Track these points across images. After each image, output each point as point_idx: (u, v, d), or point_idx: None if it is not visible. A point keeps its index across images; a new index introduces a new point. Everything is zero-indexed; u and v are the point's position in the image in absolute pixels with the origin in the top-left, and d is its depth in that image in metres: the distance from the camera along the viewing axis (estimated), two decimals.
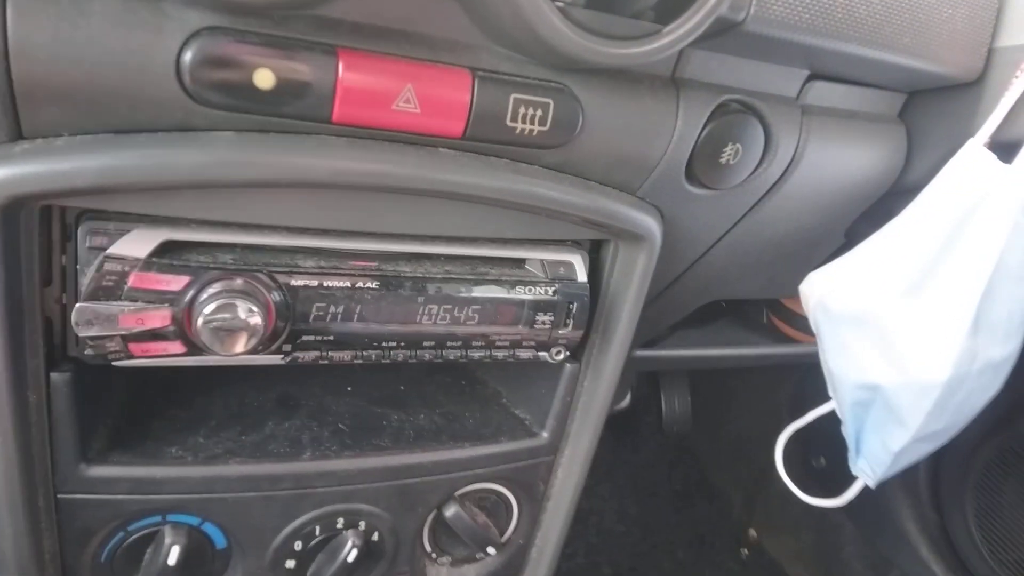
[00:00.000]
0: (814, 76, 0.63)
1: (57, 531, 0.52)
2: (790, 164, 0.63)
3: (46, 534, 0.52)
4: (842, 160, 0.66)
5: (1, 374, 0.45)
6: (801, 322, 0.90)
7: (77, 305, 0.45)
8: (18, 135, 0.41)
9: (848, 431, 0.70)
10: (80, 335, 0.45)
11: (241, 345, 0.47)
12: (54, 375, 0.48)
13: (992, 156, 0.59)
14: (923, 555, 1.43)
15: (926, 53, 0.60)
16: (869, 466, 0.69)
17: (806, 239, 0.74)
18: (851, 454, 0.71)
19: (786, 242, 0.73)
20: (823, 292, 0.66)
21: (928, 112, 0.68)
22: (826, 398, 0.73)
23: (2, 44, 0.37)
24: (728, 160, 0.60)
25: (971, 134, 0.61)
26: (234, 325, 0.46)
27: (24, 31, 0.37)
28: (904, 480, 1.43)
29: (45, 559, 0.53)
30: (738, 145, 0.59)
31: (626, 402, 1.79)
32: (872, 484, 0.70)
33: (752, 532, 1.75)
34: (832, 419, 0.73)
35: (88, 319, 0.45)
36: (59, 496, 0.51)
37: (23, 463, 0.48)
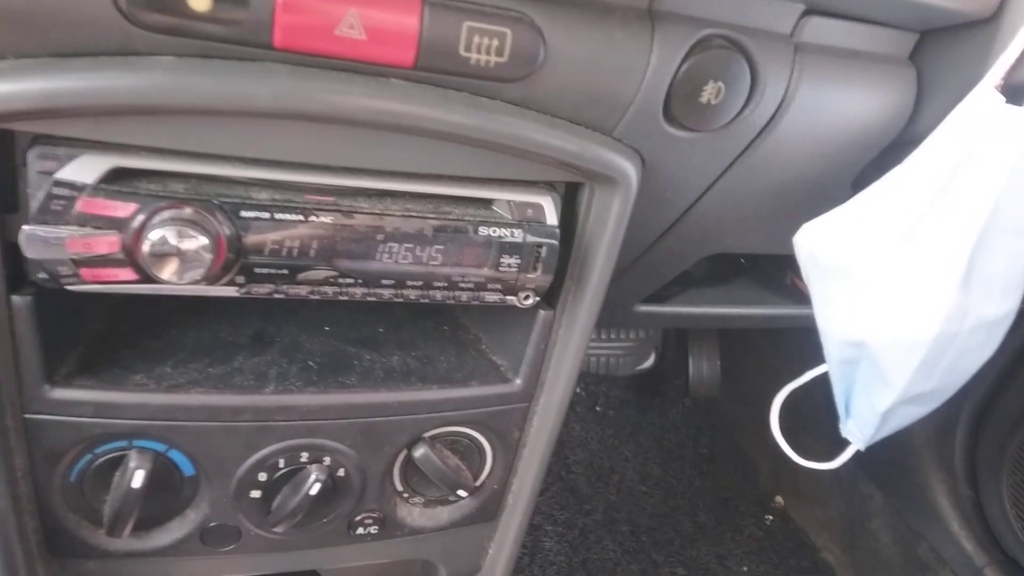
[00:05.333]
0: (811, 11, 0.59)
1: (27, 450, 0.55)
2: (780, 105, 0.59)
3: (16, 452, 0.54)
4: (841, 103, 0.62)
5: None
6: None
7: (23, 228, 0.46)
8: None
9: (837, 391, 0.67)
10: (28, 257, 0.46)
11: (187, 273, 0.47)
12: (15, 297, 0.49)
13: (1001, 99, 0.55)
14: (954, 531, 1.38)
15: None
16: (858, 428, 0.66)
17: (808, 189, 0.70)
18: (841, 415, 0.68)
19: (785, 192, 0.69)
20: (813, 243, 0.62)
21: (941, 54, 0.63)
22: None
23: None
24: (710, 99, 0.57)
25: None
26: (176, 251, 0.46)
27: None
28: (939, 454, 1.38)
29: (17, 476, 0.55)
30: (720, 84, 0.56)
31: (650, 362, 1.77)
32: (861, 447, 0.67)
33: (779, 499, 1.73)
34: None
35: (35, 242, 0.46)
36: (26, 416, 0.53)
37: None
